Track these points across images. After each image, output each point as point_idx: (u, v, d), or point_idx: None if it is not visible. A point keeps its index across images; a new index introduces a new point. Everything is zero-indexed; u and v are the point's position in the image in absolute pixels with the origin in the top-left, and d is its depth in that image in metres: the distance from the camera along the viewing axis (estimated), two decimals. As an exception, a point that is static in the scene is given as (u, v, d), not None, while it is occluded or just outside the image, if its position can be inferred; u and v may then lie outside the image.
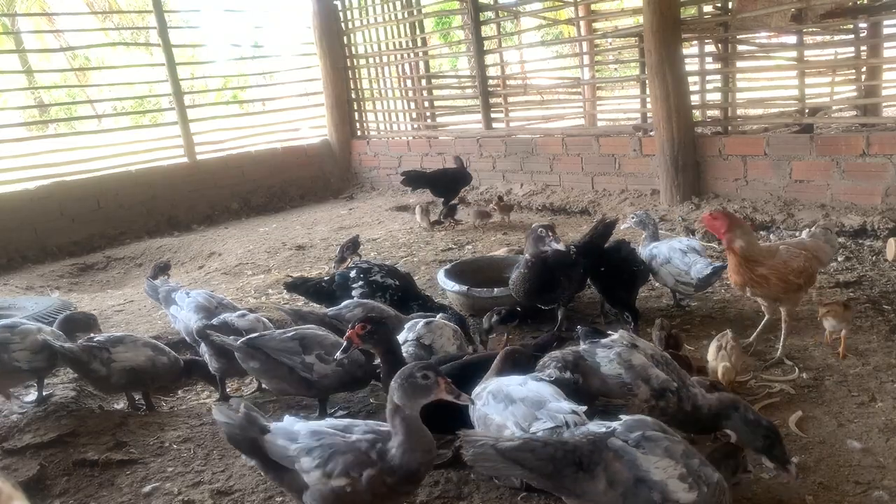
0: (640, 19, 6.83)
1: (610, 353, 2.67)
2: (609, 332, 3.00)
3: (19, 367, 3.41)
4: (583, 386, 2.63)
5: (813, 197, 5.95)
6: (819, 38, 10.12)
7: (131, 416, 3.51)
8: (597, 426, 2.14)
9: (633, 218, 4.63)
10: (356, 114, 10.72)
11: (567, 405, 2.32)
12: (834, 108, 9.52)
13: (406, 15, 9.98)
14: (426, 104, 10.14)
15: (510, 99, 10.17)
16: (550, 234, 3.68)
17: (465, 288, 4.40)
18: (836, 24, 8.89)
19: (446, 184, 7.58)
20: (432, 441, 2.22)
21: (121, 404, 3.78)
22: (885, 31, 8.94)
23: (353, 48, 10.59)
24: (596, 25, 11.48)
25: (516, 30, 13.98)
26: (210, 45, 12.12)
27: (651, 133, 6.98)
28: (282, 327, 3.65)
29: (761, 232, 5.80)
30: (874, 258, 4.91)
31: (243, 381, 3.97)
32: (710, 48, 8.18)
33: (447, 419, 2.49)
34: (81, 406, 3.62)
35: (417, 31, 10.21)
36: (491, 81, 9.24)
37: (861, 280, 4.51)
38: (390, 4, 10.06)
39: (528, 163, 8.25)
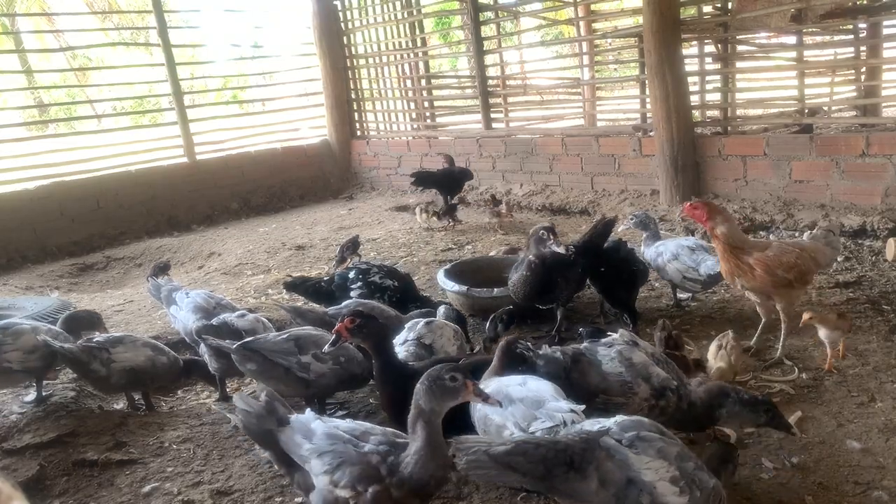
0: (640, 19, 6.83)
1: (611, 351, 2.67)
2: (609, 332, 3.01)
3: (10, 368, 3.39)
4: (582, 383, 2.63)
5: (813, 197, 5.95)
6: (819, 39, 10.12)
7: (131, 416, 3.51)
8: (591, 424, 2.11)
9: (632, 219, 4.62)
10: (356, 114, 10.72)
11: (566, 404, 2.32)
12: (834, 108, 9.53)
13: (406, 15, 9.98)
14: (426, 104, 10.14)
15: (510, 99, 10.17)
16: (551, 236, 3.66)
17: (464, 288, 4.40)
18: (836, 24, 8.89)
19: (451, 183, 7.59)
20: (449, 458, 2.13)
21: (120, 404, 3.79)
22: (885, 31, 8.94)
23: (352, 48, 10.59)
24: (596, 26, 11.48)
25: (516, 30, 13.98)
26: (210, 45, 12.15)
27: (651, 133, 6.98)
28: (282, 327, 3.66)
29: (761, 232, 5.80)
30: (874, 258, 4.91)
31: (243, 381, 3.97)
32: (709, 48, 8.18)
33: (453, 420, 2.48)
34: (81, 406, 3.62)
35: (417, 32, 10.21)
36: (491, 81, 9.24)
37: (861, 280, 4.51)
38: (390, 4, 10.06)
39: (528, 163, 8.25)
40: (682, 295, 4.54)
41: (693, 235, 5.68)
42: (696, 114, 7.04)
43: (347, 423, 2.27)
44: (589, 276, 4.20)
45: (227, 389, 3.76)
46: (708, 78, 8.19)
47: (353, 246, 5.79)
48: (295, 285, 4.49)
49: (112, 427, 3.32)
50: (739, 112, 8.04)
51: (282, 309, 4.03)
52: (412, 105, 10.41)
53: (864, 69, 9.28)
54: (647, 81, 6.95)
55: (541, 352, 2.67)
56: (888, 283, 4.40)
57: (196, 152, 9.36)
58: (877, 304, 4.08)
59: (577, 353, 2.72)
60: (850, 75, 10.26)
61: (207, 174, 9.37)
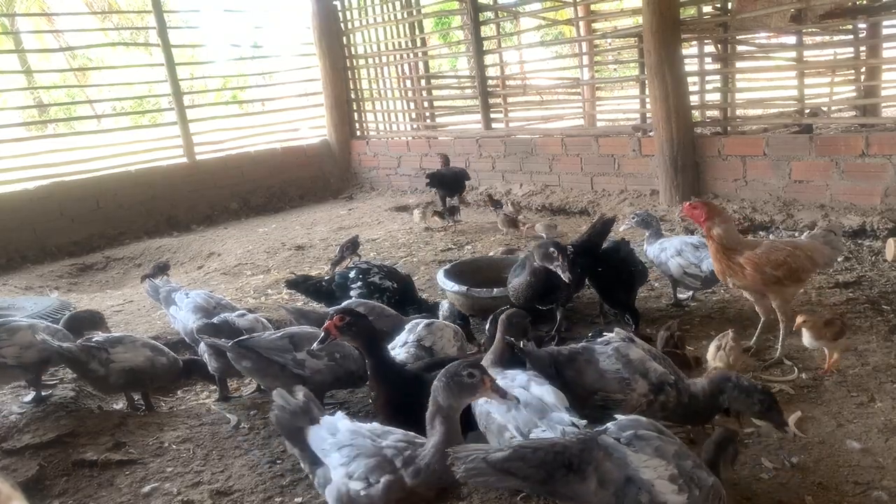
0: (640, 20, 6.83)
1: (608, 348, 2.69)
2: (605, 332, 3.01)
3: (5, 363, 3.40)
4: (579, 381, 2.64)
5: (812, 197, 5.95)
6: (818, 39, 10.12)
7: (130, 416, 3.51)
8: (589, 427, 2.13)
9: (633, 218, 4.62)
10: (356, 114, 10.72)
11: (568, 417, 2.32)
12: (833, 108, 9.53)
13: (405, 15, 9.98)
14: (426, 104, 10.14)
15: (510, 99, 10.17)
16: (560, 257, 3.53)
17: (464, 288, 4.40)
18: (836, 24, 8.89)
19: (456, 183, 7.60)
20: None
21: (120, 404, 3.78)
22: (885, 31, 8.95)
23: (352, 48, 10.59)
24: (595, 26, 11.49)
25: (516, 30, 13.98)
26: (209, 46, 12.11)
27: (650, 133, 6.98)
28: (282, 328, 3.65)
29: (760, 232, 5.80)
30: (873, 258, 4.91)
31: (242, 381, 3.97)
32: (709, 48, 8.19)
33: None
34: (80, 406, 3.62)
35: (417, 32, 10.21)
36: (490, 82, 9.24)
37: (860, 280, 4.51)
38: (390, 5, 10.06)
39: (528, 163, 8.25)
40: (682, 295, 4.54)
41: (694, 235, 5.68)
42: (696, 114, 7.04)
43: (372, 425, 2.29)
44: (587, 276, 4.20)
45: (227, 390, 3.77)
46: (708, 78, 8.19)
47: (352, 246, 5.79)
48: (296, 283, 4.49)
49: (112, 427, 3.32)
50: (739, 112, 8.04)
51: (283, 309, 4.03)
52: (412, 105, 10.41)
53: (863, 69, 9.29)
54: (646, 81, 6.95)
55: (527, 349, 2.67)
56: (888, 284, 4.40)
57: (196, 152, 9.36)
58: (876, 305, 4.08)
59: (573, 352, 2.73)
60: (849, 75, 10.27)
61: (207, 174, 9.37)
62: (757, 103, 8.60)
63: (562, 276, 3.50)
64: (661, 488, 1.91)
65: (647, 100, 7.09)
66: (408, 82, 10.48)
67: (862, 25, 8.90)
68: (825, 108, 9.16)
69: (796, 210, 5.88)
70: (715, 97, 8.10)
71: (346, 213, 8.79)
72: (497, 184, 8.57)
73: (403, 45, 10.18)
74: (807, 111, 7.72)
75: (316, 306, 4.39)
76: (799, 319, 3.28)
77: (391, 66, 10.54)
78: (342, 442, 2.17)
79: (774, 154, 6.14)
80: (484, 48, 8.91)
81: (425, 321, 3.41)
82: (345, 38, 10.49)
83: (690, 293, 4.55)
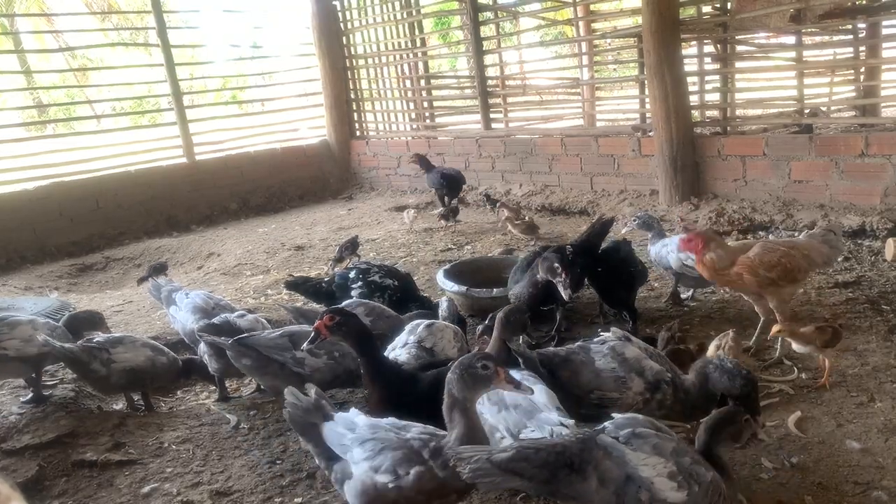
0: (639, 20, 6.83)
1: (603, 347, 2.71)
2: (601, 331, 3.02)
3: (6, 356, 3.41)
4: (574, 381, 2.65)
5: (812, 197, 5.95)
6: (818, 39, 10.13)
7: (130, 416, 3.51)
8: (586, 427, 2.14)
9: (634, 220, 4.63)
10: (355, 114, 10.72)
11: (556, 417, 2.33)
12: (833, 108, 9.54)
13: (405, 15, 9.98)
14: (425, 104, 10.14)
15: (509, 99, 10.17)
16: (565, 275, 3.54)
17: (464, 288, 4.40)
18: (835, 24, 8.90)
19: (457, 184, 7.61)
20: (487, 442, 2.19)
21: (120, 405, 3.78)
22: (884, 31, 8.96)
23: (352, 48, 10.59)
24: (595, 26, 11.49)
25: (515, 30, 13.98)
26: (209, 46, 12.08)
27: (650, 133, 6.98)
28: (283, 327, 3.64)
29: (760, 232, 5.81)
30: (873, 258, 4.91)
31: (242, 381, 3.97)
32: (708, 48, 8.19)
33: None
34: (80, 407, 3.62)
35: (416, 32, 10.21)
36: (490, 82, 9.24)
37: (860, 280, 4.51)
38: (389, 5, 10.06)
39: (528, 163, 8.25)
40: (683, 294, 4.54)
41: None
42: (696, 114, 7.04)
43: (390, 419, 2.28)
44: (587, 277, 4.21)
45: (227, 390, 3.76)
46: (707, 78, 8.20)
47: (351, 246, 5.79)
48: (296, 284, 4.49)
49: (111, 427, 3.32)
50: (739, 112, 8.05)
51: (283, 309, 4.03)
52: (411, 105, 10.41)
53: (863, 69, 9.29)
54: (646, 81, 6.95)
55: (518, 350, 2.68)
56: (887, 283, 4.40)
57: (195, 152, 9.36)
58: (876, 304, 4.08)
59: (569, 352, 2.74)
60: (849, 75, 10.28)
61: (207, 174, 9.37)
62: (756, 103, 8.60)
63: (562, 293, 3.53)
64: (661, 486, 1.92)
65: (647, 100, 7.09)
66: (407, 82, 10.48)
67: (861, 25, 8.91)
68: (825, 108, 9.16)
69: (796, 210, 5.88)
70: (714, 97, 8.11)
71: (345, 213, 8.79)
72: (497, 184, 8.57)
73: (403, 45, 10.18)
74: (806, 111, 7.72)
75: (315, 307, 4.39)
76: (774, 329, 3.25)
77: (391, 66, 10.54)
78: (364, 436, 2.16)
79: (774, 154, 6.15)
80: (483, 48, 8.91)
81: (426, 322, 3.41)
82: (344, 39, 10.49)
83: (690, 292, 4.55)
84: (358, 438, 2.16)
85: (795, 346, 3.23)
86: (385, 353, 3.22)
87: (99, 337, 3.57)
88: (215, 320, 3.60)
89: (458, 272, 4.78)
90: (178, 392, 3.98)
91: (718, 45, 7.84)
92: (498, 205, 6.98)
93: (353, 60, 10.60)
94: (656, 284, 4.84)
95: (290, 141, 10.66)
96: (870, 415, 2.93)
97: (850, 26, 9.12)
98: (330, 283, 4.37)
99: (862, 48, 9.12)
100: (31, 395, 3.63)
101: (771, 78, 9.45)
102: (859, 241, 5.25)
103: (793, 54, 8.62)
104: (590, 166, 7.65)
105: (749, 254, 3.43)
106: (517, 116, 10.29)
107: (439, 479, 2.06)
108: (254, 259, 6.72)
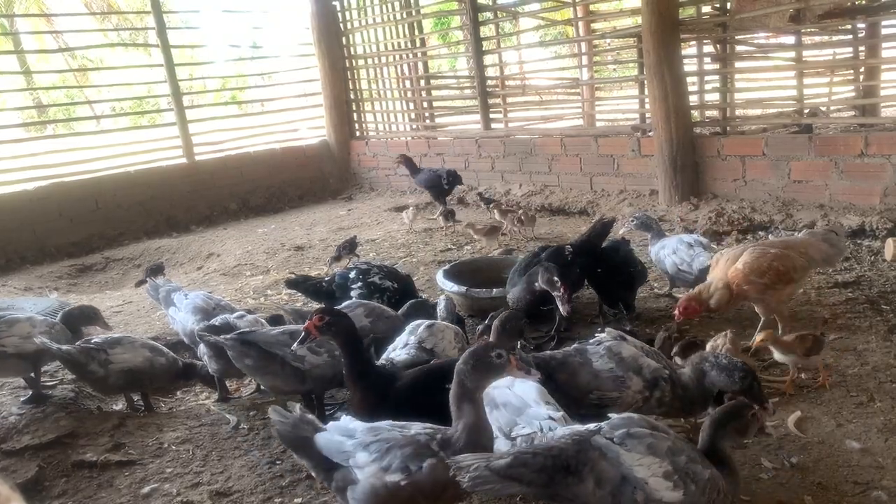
0: (639, 20, 6.84)
1: (600, 348, 2.71)
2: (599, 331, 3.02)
3: (5, 352, 3.43)
4: (572, 383, 2.65)
5: (811, 197, 5.95)
6: (817, 39, 10.13)
7: (130, 417, 3.51)
8: (582, 427, 2.13)
9: (633, 221, 4.64)
10: (355, 114, 10.72)
11: (545, 411, 2.33)
12: (832, 108, 9.53)
13: (405, 15, 9.98)
14: (425, 105, 10.14)
15: (509, 99, 10.18)
16: (563, 290, 3.55)
17: (463, 288, 4.40)
18: (835, 24, 8.90)
19: (439, 184, 7.61)
20: (493, 435, 2.20)
21: (119, 405, 3.78)
22: (884, 31, 8.96)
23: (351, 49, 10.58)
24: (594, 26, 11.49)
25: (515, 30, 13.99)
26: (209, 46, 12.08)
27: (650, 133, 6.98)
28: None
29: (760, 232, 5.81)
30: (872, 258, 4.91)
31: (242, 382, 3.97)
32: (708, 48, 8.19)
33: (443, 411, 2.46)
34: (80, 407, 3.62)
35: (416, 32, 10.21)
36: (490, 82, 9.25)
37: (859, 280, 4.51)
38: (389, 5, 10.06)
39: (527, 163, 8.25)
40: (679, 295, 4.54)
41: (692, 234, 5.69)
42: (695, 114, 7.04)
43: (387, 421, 2.27)
44: (586, 277, 4.21)
45: (227, 390, 3.76)
46: (707, 78, 8.19)
47: (350, 246, 5.79)
48: (297, 283, 4.50)
49: (111, 428, 3.32)
50: (738, 112, 8.05)
51: (282, 310, 4.03)
52: (411, 105, 10.41)
53: (862, 69, 9.29)
54: (645, 82, 6.95)
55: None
56: (887, 283, 4.40)
57: (195, 153, 9.36)
58: (875, 304, 4.08)
59: (566, 355, 2.75)
60: (848, 75, 10.27)
61: (206, 175, 9.37)
62: (756, 103, 8.60)
63: (560, 308, 3.53)
64: (656, 486, 1.92)
65: (647, 100, 7.09)
66: (407, 83, 10.48)
67: (861, 25, 8.90)
68: (824, 108, 9.17)
69: (795, 210, 5.88)
70: (714, 97, 8.11)
71: (345, 213, 8.79)
72: (496, 184, 8.57)
73: (403, 46, 10.18)
74: (806, 111, 7.73)
75: (315, 307, 4.38)
76: (757, 339, 3.23)
77: (390, 66, 10.54)
78: (366, 440, 2.14)
79: (774, 154, 6.15)
80: (483, 48, 8.91)
81: (426, 322, 3.41)
82: (344, 39, 10.49)
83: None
84: (360, 443, 2.14)
85: (777, 355, 3.20)
86: (385, 353, 3.23)
87: (97, 338, 3.56)
88: (215, 322, 3.59)
89: (458, 272, 4.78)
90: (178, 392, 3.98)
91: (718, 45, 7.84)
92: (491, 205, 7.01)
93: (353, 61, 10.60)
94: (656, 284, 4.84)
95: (289, 141, 10.66)
96: (869, 415, 2.93)
97: (849, 26, 9.12)
98: (330, 283, 4.37)
99: (861, 48, 9.12)
100: (30, 395, 3.62)
101: (770, 78, 9.45)
102: (859, 241, 5.25)
103: (792, 54, 8.62)
104: (589, 166, 7.65)
105: (738, 265, 3.45)
106: (517, 116, 10.29)
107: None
108: (253, 259, 6.72)
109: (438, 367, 2.84)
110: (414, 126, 10.32)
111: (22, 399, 3.65)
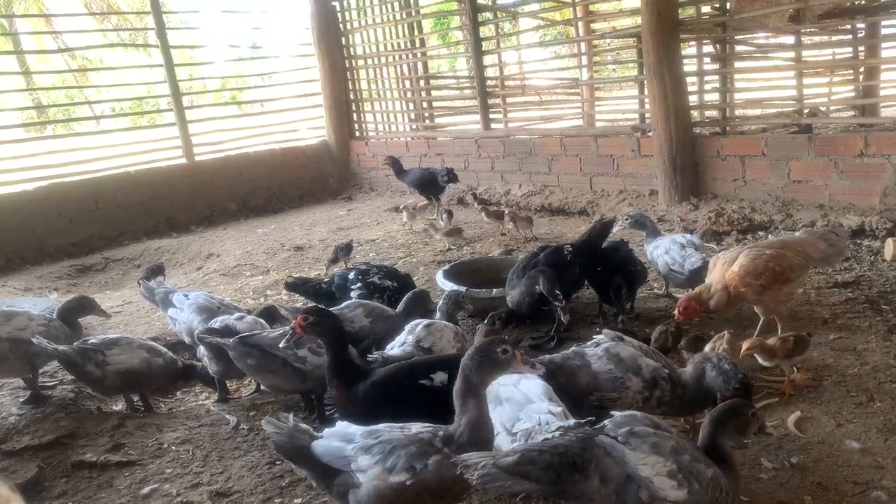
0: (639, 20, 6.84)
1: (598, 350, 2.72)
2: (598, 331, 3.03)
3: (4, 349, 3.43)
4: (572, 385, 2.65)
5: (811, 197, 5.95)
6: (817, 39, 10.13)
7: (130, 417, 3.51)
8: (580, 421, 2.14)
9: (627, 220, 4.65)
10: (355, 115, 10.72)
11: (546, 406, 2.34)
12: (832, 108, 9.54)
13: (404, 16, 9.98)
14: (425, 105, 10.14)
15: (509, 99, 10.17)
16: (564, 302, 3.63)
17: (463, 289, 4.39)
18: (834, 24, 8.90)
19: (427, 184, 7.65)
20: (494, 431, 2.21)
21: (119, 406, 3.78)
22: (883, 31, 8.96)
23: (351, 49, 10.58)
24: (594, 26, 11.49)
25: (515, 30, 13.98)
26: (209, 46, 12.08)
27: (649, 133, 6.98)
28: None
29: (759, 232, 5.80)
30: (872, 258, 4.91)
31: (242, 383, 3.97)
32: (708, 48, 8.19)
33: (446, 410, 2.46)
34: (80, 407, 3.62)
35: (416, 32, 10.21)
36: (489, 82, 9.24)
37: (859, 280, 4.51)
38: (389, 5, 10.06)
39: (527, 163, 8.25)
40: (677, 295, 4.54)
41: (689, 234, 5.69)
42: (695, 114, 7.04)
43: (386, 424, 2.26)
44: (586, 277, 4.21)
45: (227, 391, 3.76)
46: (706, 78, 8.17)
47: (346, 249, 5.79)
48: (296, 286, 4.50)
49: (111, 428, 3.32)
50: (738, 112, 8.05)
51: (281, 310, 4.03)
52: (411, 106, 10.41)
53: (862, 69, 9.29)
54: (645, 82, 6.95)
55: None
56: (887, 283, 4.40)
57: (195, 153, 9.36)
58: (875, 304, 4.08)
59: (564, 358, 2.75)
60: (848, 75, 10.27)
61: (206, 175, 9.37)
62: (756, 103, 8.60)
63: (561, 317, 3.59)
64: (661, 484, 1.93)
65: (646, 100, 7.09)
66: (407, 83, 10.48)
67: (860, 25, 8.91)
68: (824, 108, 9.17)
69: (795, 210, 5.88)
70: (714, 97, 8.10)
71: (345, 213, 8.79)
72: (496, 184, 8.57)
73: (402, 46, 10.18)
74: (805, 111, 7.73)
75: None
76: (744, 348, 3.21)
77: (390, 66, 10.54)
78: (367, 443, 2.13)
79: (773, 154, 6.15)
80: (483, 48, 8.90)
81: (425, 322, 3.42)
82: (344, 39, 10.49)
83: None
84: (362, 446, 2.13)
85: (761, 360, 3.19)
86: (385, 352, 3.23)
87: (94, 339, 3.56)
88: (215, 325, 3.59)
89: (458, 272, 4.78)
90: (178, 393, 3.98)
91: (717, 46, 7.84)
92: (479, 206, 7.02)
93: (353, 61, 10.60)
94: (655, 285, 4.84)
95: (289, 141, 10.65)
96: (869, 415, 2.93)
97: (849, 26, 9.12)
98: (330, 284, 4.38)
99: (861, 48, 9.12)
100: (29, 395, 3.62)
101: (770, 78, 9.45)
102: (858, 241, 5.25)
103: (792, 54, 8.61)
104: (589, 166, 7.65)
105: (734, 268, 3.46)
106: (516, 117, 10.28)
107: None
108: (253, 260, 6.72)
109: (409, 364, 2.88)
110: (414, 126, 10.32)
111: (21, 400, 3.65)
